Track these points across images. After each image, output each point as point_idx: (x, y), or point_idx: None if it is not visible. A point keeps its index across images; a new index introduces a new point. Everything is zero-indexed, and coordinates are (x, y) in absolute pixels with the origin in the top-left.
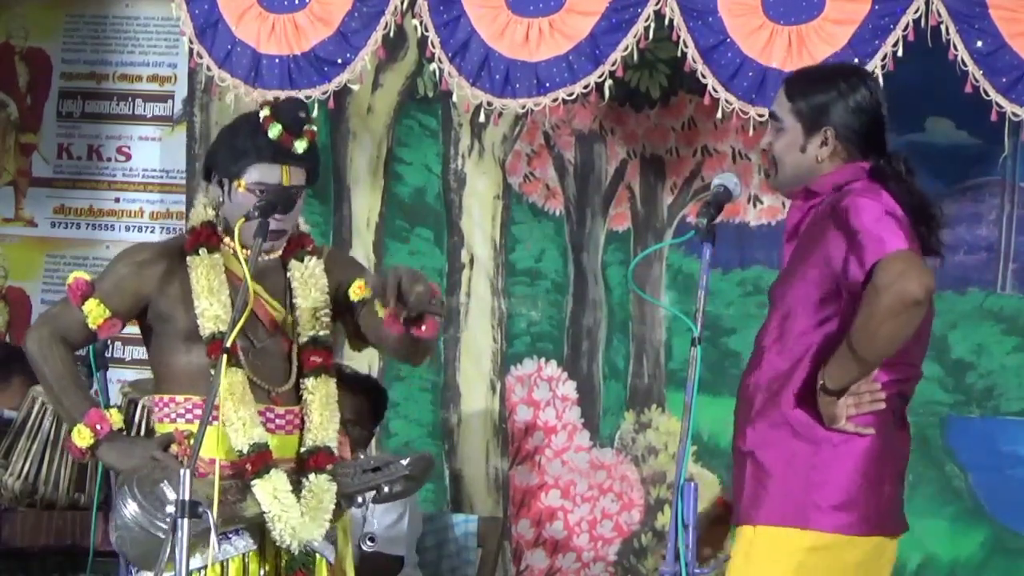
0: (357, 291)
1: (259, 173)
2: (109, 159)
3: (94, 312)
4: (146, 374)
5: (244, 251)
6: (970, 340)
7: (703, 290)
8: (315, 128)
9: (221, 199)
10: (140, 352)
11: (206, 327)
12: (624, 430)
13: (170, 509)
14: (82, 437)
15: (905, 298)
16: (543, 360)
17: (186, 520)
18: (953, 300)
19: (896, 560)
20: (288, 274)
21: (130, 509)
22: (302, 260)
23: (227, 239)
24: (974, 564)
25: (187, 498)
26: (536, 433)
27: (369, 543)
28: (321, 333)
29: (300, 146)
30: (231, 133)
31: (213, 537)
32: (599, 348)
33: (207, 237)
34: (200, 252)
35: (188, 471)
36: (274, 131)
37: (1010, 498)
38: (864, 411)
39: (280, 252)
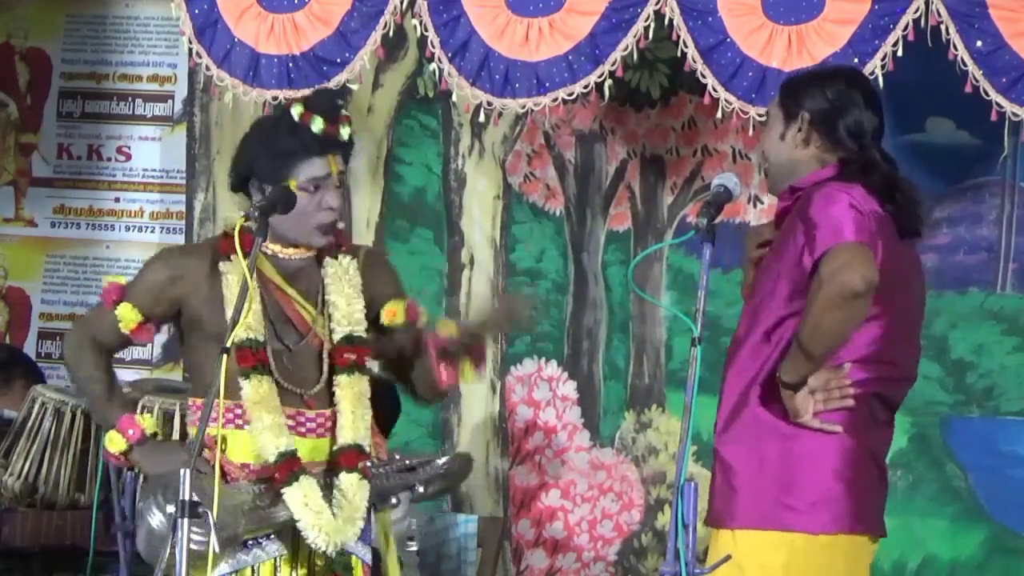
0: (389, 315)
1: (309, 169)
2: (109, 159)
3: (126, 316)
4: (145, 374)
5: (288, 249)
6: (970, 340)
7: (703, 290)
8: (348, 113)
9: None
10: (140, 352)
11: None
12: (624, 430)
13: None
14: (114, 443)
15: (844, 290)
16: (543, 360)
17: (186, 520)
18: (953, 300)
19: (896, 560)
20: (322, 271)
21: (156, 519)
22: (336, 258)
23: (266, 243)
24: (974, 564)
25: (187, 498)
26: (536, 433)
27: (409, 542)
28: (356, 330)
29: (345, 133)
30: (266, 137)
31: (213, 538)
32: (599, 348)
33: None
34: (232, 257)
35: (188, 471)
36: (317, 125)
37: (1010, 498)
38: (832, 407)
39: (315, 251)
